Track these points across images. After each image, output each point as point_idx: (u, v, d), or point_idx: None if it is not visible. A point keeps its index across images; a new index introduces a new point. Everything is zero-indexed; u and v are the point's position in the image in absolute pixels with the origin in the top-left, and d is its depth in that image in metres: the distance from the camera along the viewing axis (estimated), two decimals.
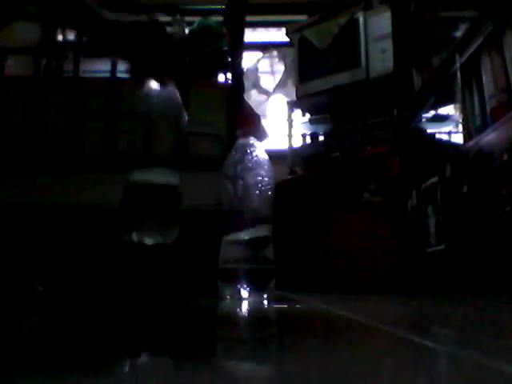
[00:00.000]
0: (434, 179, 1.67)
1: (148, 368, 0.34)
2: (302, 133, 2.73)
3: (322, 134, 2.58)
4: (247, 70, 2.71)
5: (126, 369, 0.34)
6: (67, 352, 0.39)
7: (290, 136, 2.69)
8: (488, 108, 1.43)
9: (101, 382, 0.29)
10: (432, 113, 2.14)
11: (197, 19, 1.98)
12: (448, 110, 2.19)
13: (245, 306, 0.85)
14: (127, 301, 0.91)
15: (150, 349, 0.41)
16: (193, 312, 0.80)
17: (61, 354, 0.38)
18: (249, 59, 2.84)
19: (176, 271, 0.92)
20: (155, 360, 0.37)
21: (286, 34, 2.72)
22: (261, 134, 0.94)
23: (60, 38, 2.54)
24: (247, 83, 2.50)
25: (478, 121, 1.52)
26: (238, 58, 1.64)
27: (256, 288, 0.85)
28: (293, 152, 2.63)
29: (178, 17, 1.88)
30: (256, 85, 2.81)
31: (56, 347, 0.41)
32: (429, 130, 2.25)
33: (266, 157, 0.92)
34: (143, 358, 0.37)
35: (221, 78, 2.16)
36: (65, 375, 0.30)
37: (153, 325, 0.60)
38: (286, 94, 2.77)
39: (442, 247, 1.60)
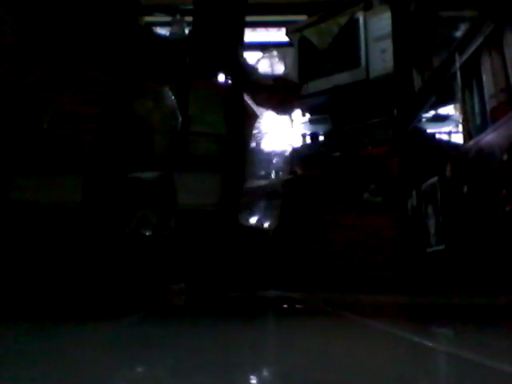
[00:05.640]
0: (434, 179, 1.67)
1: None
2: (302, 133, 2.72)
3: (322, 134, 2.58)
4: None
5: None
6: None
7: (289, 136, 2.69)
8: (488, 108, 1.43)
9: None
10: (432, 113, 2.14)
11: None
12: (448, 109, 2.19)
13: None
14: None
15: None
16: None
17: None
18: (249, 59, 2.83)
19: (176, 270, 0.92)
20: None
21: (286, 34, 2.72)
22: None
23: None
24: None
25: (478, 121, 1.52)
26: (238, 58, 1.64)
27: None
28: (293, 152, 2.63)
29: (178, 17, 1.88)
30: None
31: None
32: (429, 130, 2.24)
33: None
34: None
35: (221, 78, 2.16)
36: None
37: None
38: None
39: (442, 247, 1.60)
